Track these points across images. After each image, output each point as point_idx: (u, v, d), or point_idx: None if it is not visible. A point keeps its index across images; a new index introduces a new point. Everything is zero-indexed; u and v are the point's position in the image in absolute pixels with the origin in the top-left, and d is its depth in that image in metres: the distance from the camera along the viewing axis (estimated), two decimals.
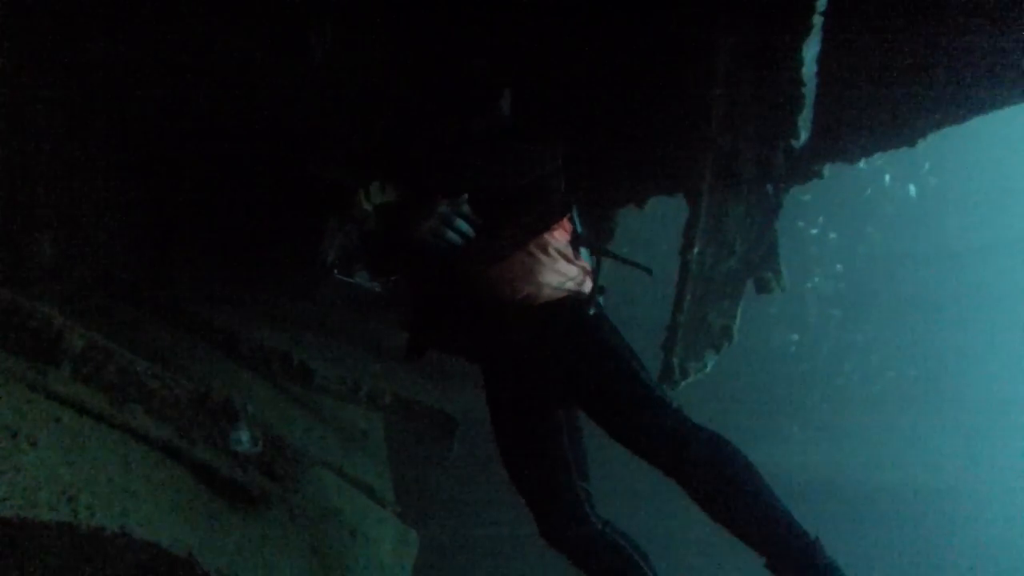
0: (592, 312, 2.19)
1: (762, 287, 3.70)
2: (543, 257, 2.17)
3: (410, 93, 2.68)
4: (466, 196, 2.09)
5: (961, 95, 2.95)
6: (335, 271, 4.73)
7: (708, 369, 3.70)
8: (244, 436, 2.51)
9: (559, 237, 2.25)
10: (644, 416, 2.01)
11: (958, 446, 16.62)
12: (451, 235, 2.05)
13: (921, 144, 3.28)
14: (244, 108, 3.55)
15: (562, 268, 2.21)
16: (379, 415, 4.88)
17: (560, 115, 3.53)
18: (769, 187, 3.71)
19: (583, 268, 2.30)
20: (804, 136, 3.48)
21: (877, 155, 3.45)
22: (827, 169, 3.40)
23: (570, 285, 2.22)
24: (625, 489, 6.79)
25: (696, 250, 3.51)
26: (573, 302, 2.20)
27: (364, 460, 4.59)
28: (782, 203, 3.71)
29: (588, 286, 2.28)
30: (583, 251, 2.35)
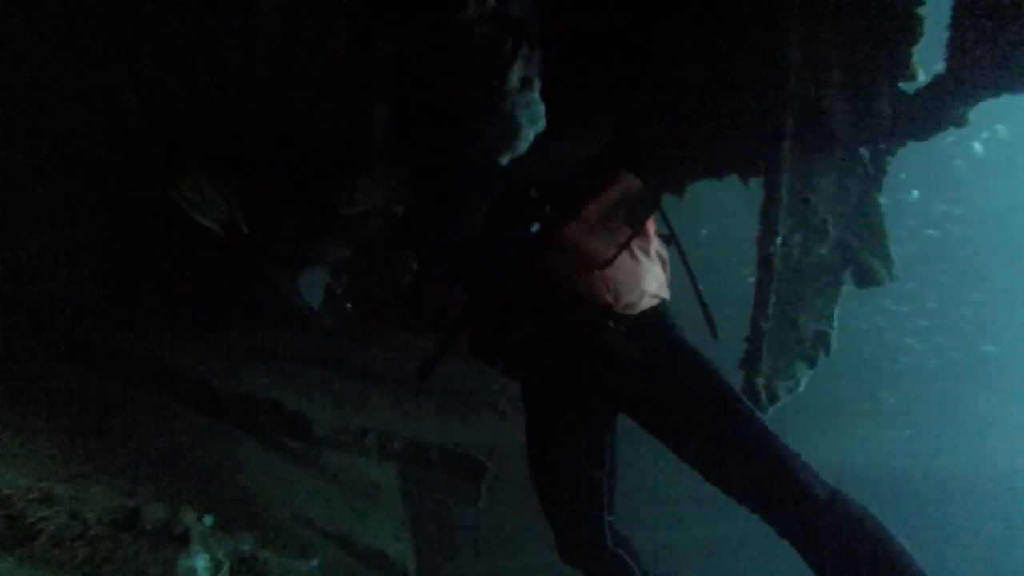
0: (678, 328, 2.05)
1: (866, 278, 2.84)
2: (645, 260, 2.00)
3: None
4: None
5: None
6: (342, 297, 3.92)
7: (801, 388, 2.85)
8: (199, 563, 1.76)
9: (653, 236, 2.09)
10: (761, 465, 1.83)
11: None
12: None
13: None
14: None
15: (659, 272, 2.07)
16: (392, 463, 4.10)
17: (602, 74, 2.74)
18: (864, 150, 2.86)
19: (668, 272, 2.15)
20: (922, 77, 2.63)
21: None
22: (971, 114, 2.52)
23: (664, 292, 2.09)
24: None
25: (780, 238, 2.67)
26: (666, 312, 2.07)
27: (377, 521, 3.82)
28: (886, 168, 2.85)
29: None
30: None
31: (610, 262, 1.92)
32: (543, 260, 1.96)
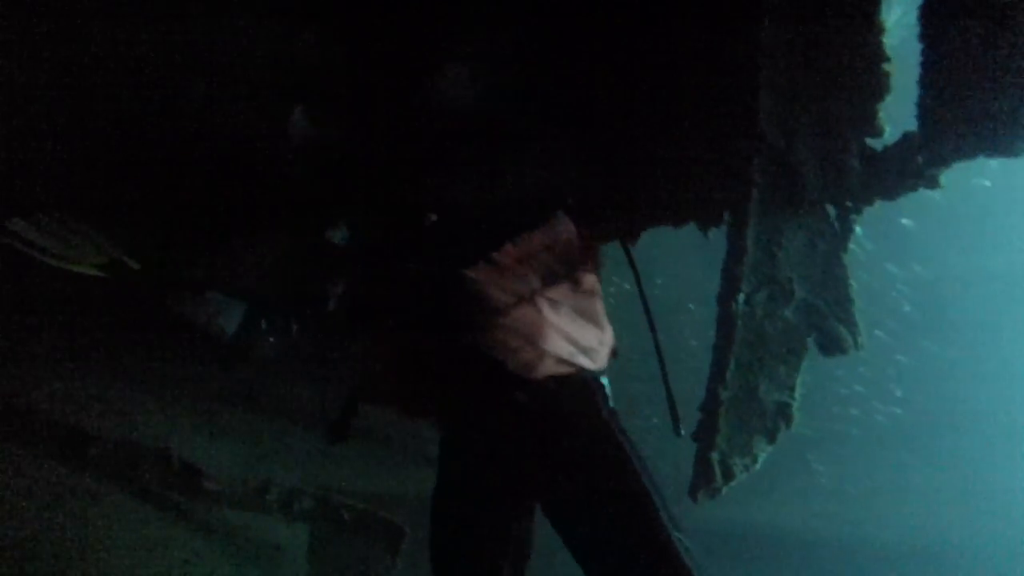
0: (606, 408, 1.76)
1: (831, 346, 2.60)
2: (553, 316, 1.70)
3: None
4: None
5: None
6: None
7: (758, 466, 2.57)
8: None
9: (581, 288, 1.76)
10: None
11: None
12: None
13: None
14: None
15: (580, 335, 1.74)
16: (304, 524, 3.61)
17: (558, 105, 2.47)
18: (830, 208, 2.66)
19: (607, 339, 1.80)
20: (888, 132, 2.46)
21: None
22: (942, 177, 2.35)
23: (582, 360, 1.75)
24: None
25: (743, 296, 2.41)
26: (581, 385, 1.76)
27: None
28: (853, 228, 2.65)
29: (605, 360, 1.83)
30: None
31: (502, 312, 1.67)
32: (447, 304, 1.74)
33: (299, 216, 2.48)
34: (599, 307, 1.81)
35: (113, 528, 2.62)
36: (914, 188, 2.38)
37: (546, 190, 1.93)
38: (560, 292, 1.74)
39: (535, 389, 1.70)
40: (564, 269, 1.76)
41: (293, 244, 2.72)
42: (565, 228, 1.84)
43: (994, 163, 2.34)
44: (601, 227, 2.11)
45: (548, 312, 1.71)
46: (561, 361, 1.71)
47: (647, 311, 2.19)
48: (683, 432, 1.99)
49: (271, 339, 3.39)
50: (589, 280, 1.80)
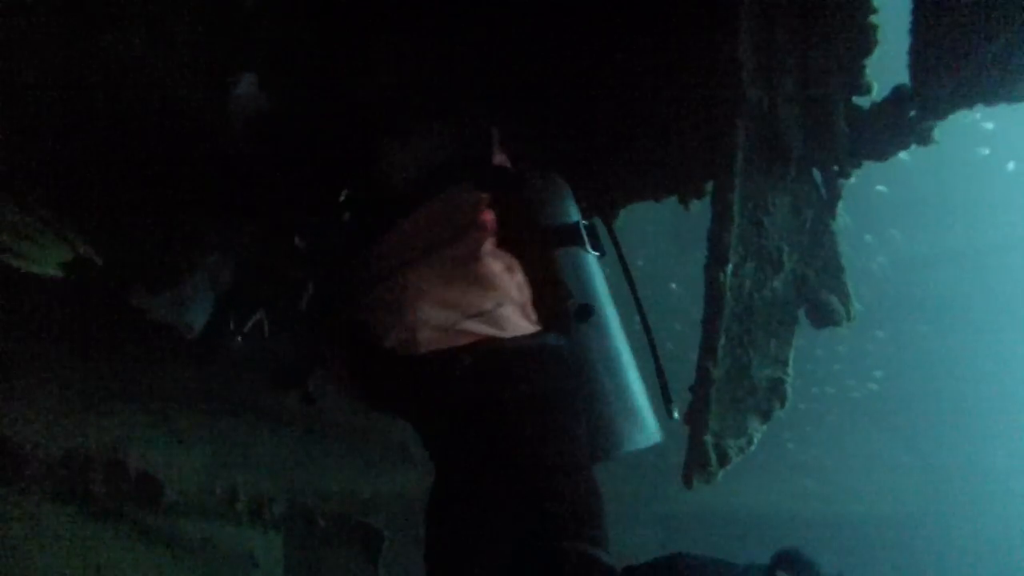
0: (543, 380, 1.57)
1: (823, 317, 2.48)
2: (415, 283, 1.57)
3: None
4: None
5: None
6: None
7: (753, 447, 2.44)
8: None
9: (459, 251, 1.60)
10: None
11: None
12: None
13: None
14: None
15: (454, 297, 1.56)
16: (276, 533, 3.40)
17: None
18: (816, 173, 2.54)
19: (510, 298, 1.60)
20: (877, 91, 2.33)
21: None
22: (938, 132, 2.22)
23: (482, 327, 1.57)
24: None
25: (731, 267, 2.27)
26: (512, 356, 1.58)
27: None
28: (840, 193, 2.53)
29: (520, 323, 1.62)
30: None
31: (364, 291, 1.62)
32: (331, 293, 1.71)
33: (256, 201, 2.28)
34: (490, 267, 1.62)
35: (60, 555, 2.39)
36: (905, 146, 2.26)
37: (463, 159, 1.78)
38: (434, 259, 1.60)
39: (447, 368, 1.55)
40: (449, 235, 1.62)
41: (259, 236, 2.53)
42: (465, 196, 1.70)
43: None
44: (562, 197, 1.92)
45: (412, 280, 1.58)
46: (446, 330, 1.55)
47: (632, 289, 2.05)
48: (676, 415, 1.85)
49: (239, 338, 3.16)
50: (472, 241, 1.63)
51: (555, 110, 2.65)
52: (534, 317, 1.66)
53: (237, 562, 3.29)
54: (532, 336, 1.62)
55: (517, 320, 1.62)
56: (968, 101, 2.10)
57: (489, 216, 1.65)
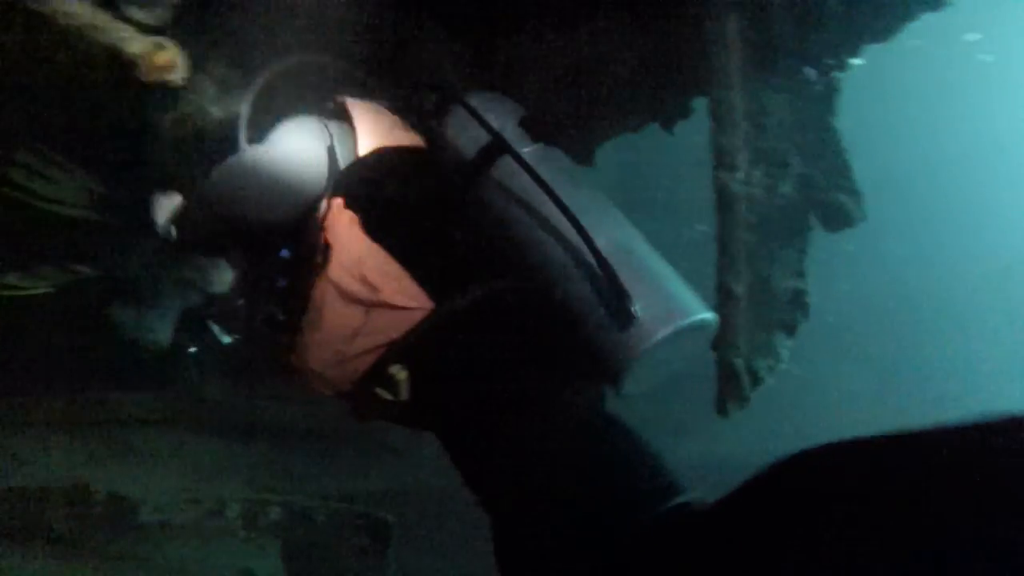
0: None
1: (837, 219, 2.33)
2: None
3: None
4: None
5: None
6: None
7: (783, 365, 2.29)
8: None
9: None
10: None
11: None
12: None
13: None
14: None
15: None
16: (272, 540, 3.12)
17: None
18: (810, 69, 2.37)
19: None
20: None
21: None
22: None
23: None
24: None
25: (741, 173, 2.10)
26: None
27: None
28: (838, 88, 2.38)
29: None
30: None
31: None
32: None
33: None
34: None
35: None
36: (914, 15, 2.11)
37: None
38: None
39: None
40: None
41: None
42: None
43: None
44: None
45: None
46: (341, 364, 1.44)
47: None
48: (637, 311, 1.32)
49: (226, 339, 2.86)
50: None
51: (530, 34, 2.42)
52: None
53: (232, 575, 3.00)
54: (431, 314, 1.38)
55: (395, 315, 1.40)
56: None
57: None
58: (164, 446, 3.39)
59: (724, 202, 2.07)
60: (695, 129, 2.59)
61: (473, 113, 1.44)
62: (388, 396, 1.38)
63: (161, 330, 2.71)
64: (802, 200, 2.31)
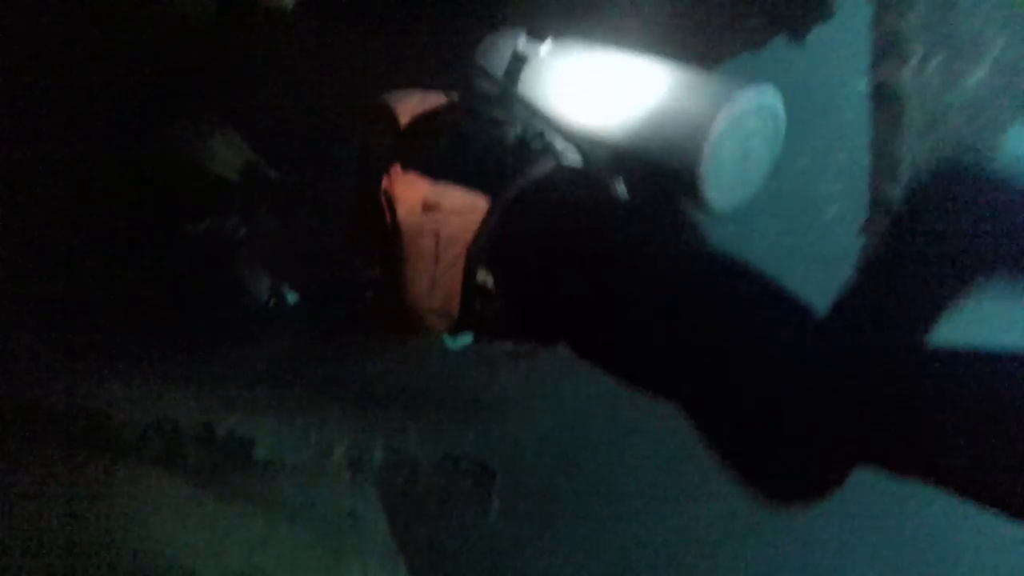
0: None
1: None
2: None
3: None
4: None
5: None
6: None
7: None
8: None
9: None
10: None
11: None
12: None
13: None
14: None
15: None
16: (372, 485, 3.13)
17: None
18: None
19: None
20: None
21: None
22: None
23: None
24: None
25: (914, 62, 1.63)
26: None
27: (360, 563, 2.88)
28: None
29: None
30: None
31: None
32: None
33: None
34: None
35: (169, 520, 2.25)
36: None
37: None
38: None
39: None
40: None
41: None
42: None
43: None
44: None
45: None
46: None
47: None
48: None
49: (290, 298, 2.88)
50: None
51: None
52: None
53: (338, 517, 3.05)
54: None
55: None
56: None
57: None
58: (274, 399, 3.52)
59: (881, 101, 1.63)
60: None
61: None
62: (485, 306, 1.43)
63: (263, 290, 2.75)
64: (1001, 91, 1.78)
